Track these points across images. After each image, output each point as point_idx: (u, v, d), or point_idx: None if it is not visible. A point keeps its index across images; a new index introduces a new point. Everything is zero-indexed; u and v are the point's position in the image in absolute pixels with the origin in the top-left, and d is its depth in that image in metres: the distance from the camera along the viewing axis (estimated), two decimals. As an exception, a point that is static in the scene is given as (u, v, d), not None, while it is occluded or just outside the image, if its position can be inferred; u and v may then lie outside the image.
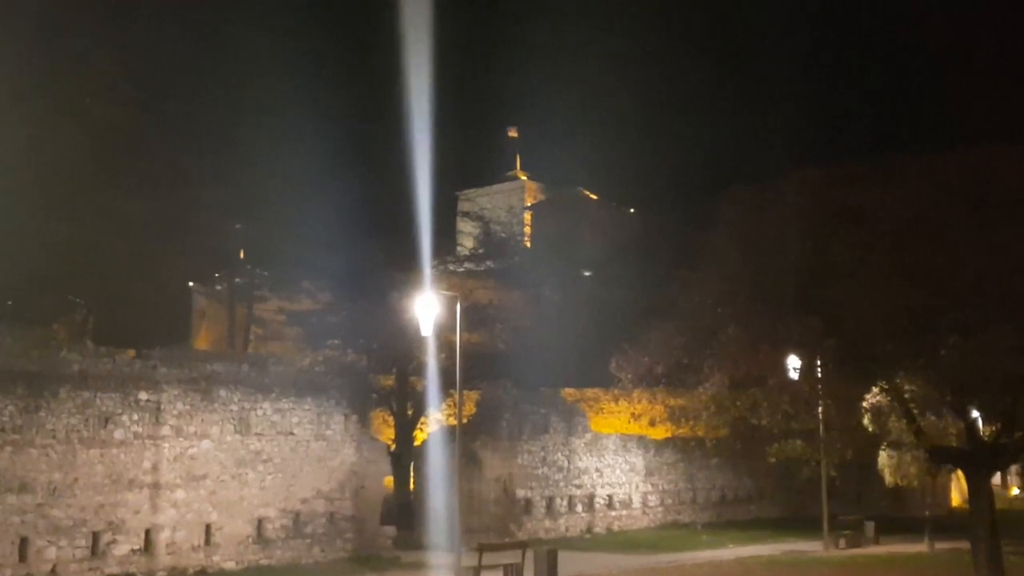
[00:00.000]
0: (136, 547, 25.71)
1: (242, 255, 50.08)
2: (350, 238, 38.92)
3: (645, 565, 31.59)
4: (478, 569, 25.94)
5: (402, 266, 37.94)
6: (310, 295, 46.56)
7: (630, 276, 50.92)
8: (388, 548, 31.66)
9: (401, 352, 37.95)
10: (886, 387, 29.48)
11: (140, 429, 26.20)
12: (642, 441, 44.12)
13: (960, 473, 40.76)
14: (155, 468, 26.38)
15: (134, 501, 25.81)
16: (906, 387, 29.11)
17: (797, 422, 31.20)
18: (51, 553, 24.16)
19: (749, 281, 27.80)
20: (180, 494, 26.85)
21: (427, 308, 24.23)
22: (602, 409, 49.56)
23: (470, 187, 74.74)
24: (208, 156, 39.80)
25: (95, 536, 25.01)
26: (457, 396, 26.63)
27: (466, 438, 32.07)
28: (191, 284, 57.01)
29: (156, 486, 26.36)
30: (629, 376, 33.61)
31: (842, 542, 37.05)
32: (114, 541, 25.33)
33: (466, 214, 61.31)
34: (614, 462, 41.87)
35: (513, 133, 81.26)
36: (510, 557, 27.00)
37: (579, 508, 40.07)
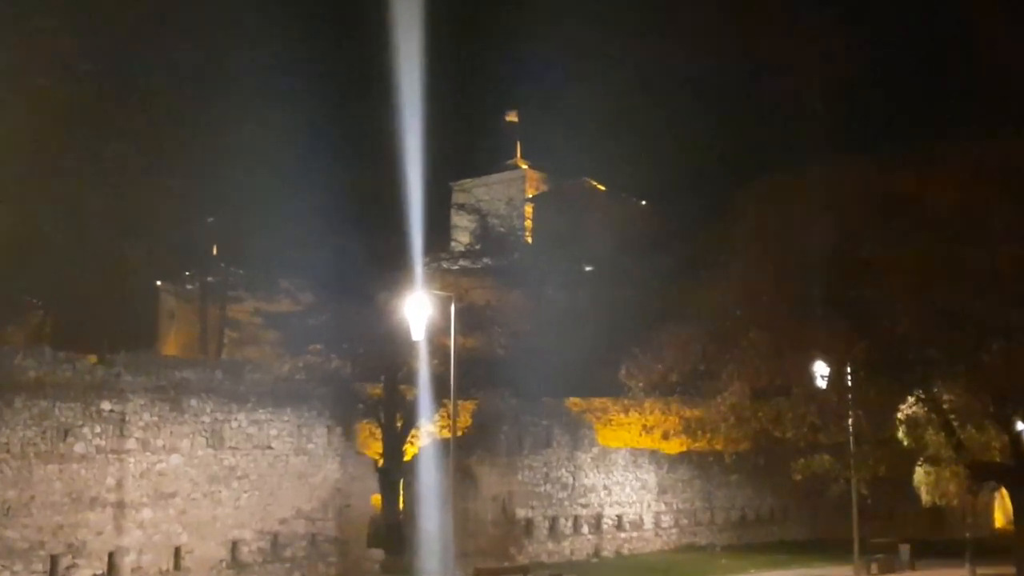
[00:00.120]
0: (98, 571, 25.68)
1: (215, 251, 50.04)
2: (334, 233, 38.87)
3: (658, 592, 31.60)
4: (474, 596, 25.94)
5: (391, 263, 37.92)
6: (290, 295, 46.55)
7: (642, 275, 50.94)
8: (375, 573, 31.63)
9: (390, 358, 37.94)
10: (923, 396, 29.53)
11: (103, 442, 26.16)
12: (654, 456, 44.12)
13: (1004, 491, 40.81)
14: (119, 485, 26.35)
15: (96, 521, 25.77)
16: (945, 396, 29.17)
17: (825, 435, 31.25)
18: (5, 578, 24.16)
19: (773, 280, 27.86)
20: (147, 513, 26.82)
21: (418, 309, 24.20)
22: (611, 421, 49.56)
23: (466, 177, 74.75)
24: (177, 142, 39.78)
25: (53, 560, 24.97)
26: (451, 406, 26.61)
27: (461, 453, 32.04)
28: (158, 283, 57.04)
29: (120, 505, 26.32)
30: (640, 384, 33.65)
31: (874, 567, 37.04)
32: (74, 565, 25.29)
33: (461, 206, 61.28)
34: (624, 479, 41.86)
35: (513, 117, 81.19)
36: (509, 583, 26.98)
37: (585, 529, 40.06)
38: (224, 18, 39.54)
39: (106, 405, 26.37)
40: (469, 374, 34.23)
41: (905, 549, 39.15)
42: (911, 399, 30.55)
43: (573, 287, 56.68)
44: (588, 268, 60.78)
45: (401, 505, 38.18)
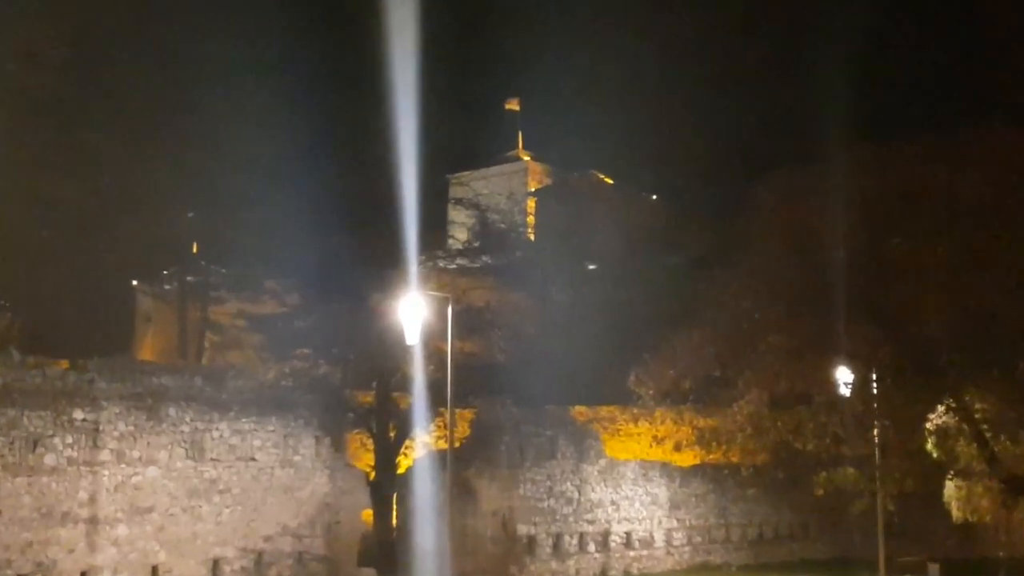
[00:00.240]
0: (70, 592, 25.69)
1: (195, 248, 50.04)
2: (322, 229, 38.80)
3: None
4: (473, 619, 25.93)
5: (384, 262, 37.84)
6: (275, 296, 46.47)
7: (652, 274, 50.92)
8: (367, 594, 31.61)
9: (382, 364, 37.85)
10: (954, 405, 29.50)
11: (75, 454, 26.16)
12: (666, 469, 44.06)
13: (1041, 507, 40.72)
14: (92, 499, 26.34)
15: (68, 538, 25.75)
16: (977, 405, 29.13)
17: (848, 447, 31.23)
18: (-31, 599, 24.17)
19: (792, 280, 27.85)
20: (122, 530, 26.81)
21: (413, 312, 24.17)
22: (619, 431, 49.47)
23: (463, 169, 74.52)
24: (155, 132, 39.80)
25: (21, 579, 24.99)
26: (448, 415, 26.57)
27: (459, 465, 32.01)
28: (134, 283, 57.02)
29: (94, 521, 26.31)
30: (651, 392, 33.64)
31: (901, 588, 37.02)
32: (44, 585, 25.30)
33: (459, 201, 61.10)
34: (633, 493, 41.81)
35: (513, 105, 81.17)
36: (511, 605, 26.97)
37: (592, 547, 40.01)
38: (203, 2, 39.64)
39: (78, 414, 26.36)
40: (467, 381, 34.10)
41: (935, 569, 39.10)
42: (941, 408, 30.52)
43: (579, 287, 56.65)
44: (594, 267, 60.77)
45: (394, 521, 38.10)
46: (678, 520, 43.50)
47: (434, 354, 33.72)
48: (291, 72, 42.63)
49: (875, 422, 29.80)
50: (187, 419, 28.51)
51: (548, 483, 38.79)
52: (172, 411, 28.21)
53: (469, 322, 36.53)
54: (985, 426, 29.44)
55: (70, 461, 26.07)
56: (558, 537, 38.90)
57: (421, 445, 37.99)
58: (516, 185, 75.19)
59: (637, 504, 41.88)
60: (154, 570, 27.44)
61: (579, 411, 44.89)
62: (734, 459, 35.59)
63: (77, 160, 37.42)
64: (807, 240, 28.47)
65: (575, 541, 39.52)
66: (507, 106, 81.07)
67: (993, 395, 28.76)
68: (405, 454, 38.73)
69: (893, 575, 37.18)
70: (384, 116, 36.47)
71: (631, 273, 54.49)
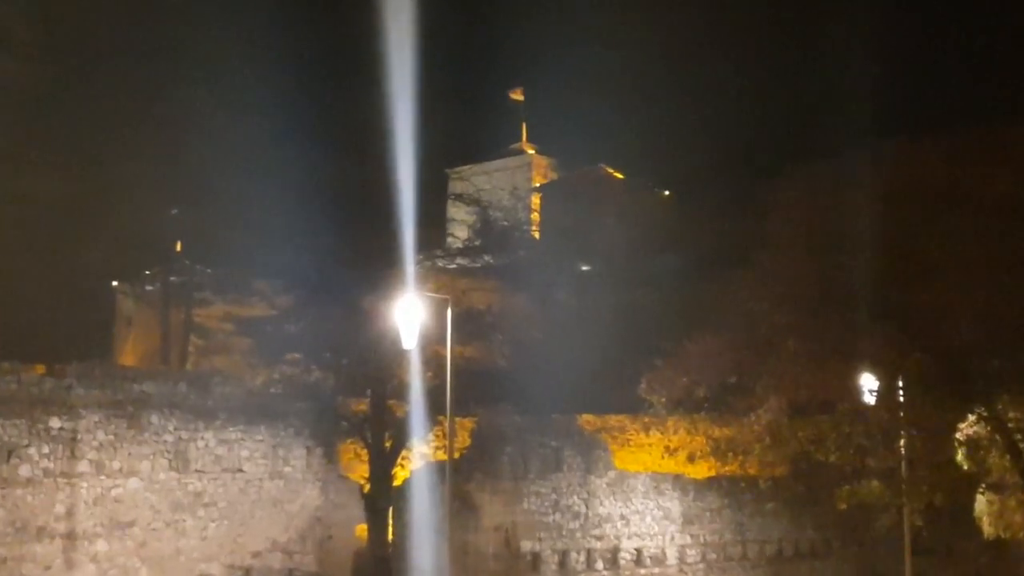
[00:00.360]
0: (46, 612, 25.72)
1: (179, 247, 50.09)
2: (314, 227, 38.85)
3: (683, 637, 31.59)
4: (474, 641, 25.94)
5: (379, 262, 37.88)
6: (264, 298, 46.53)
7: (664, 275, 50.85)
8: (361, 614, 31.62)
9: (377, 370, 37.87)
10: (985, 414, 29.50)
11: (51, 465, 26.17)
12: (679, 481, 44.03)
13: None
14: (70, 513, 26.36)
15: (44, 554, 25.77)
16: (1011, 414, 29.14)
17: (874, 458, 31.23)
18: (-61, 619, 24.20)
19: (814, 281, 27.86)
20: (101, 546, 26.83)
21: (410, 314, 24.20)
22: (629, 441, 49.49)
23: (464, 163, 74.70)
24: (137, 123, 39.85)
25: (-5, 598, 25.05)
26: (447, 424, 26.61)
27: (459, 477, 32.03)
28: (115, 283, 57.11)
29: (71, 536, 26.32)
30: (663, 400, 33.68)
31: (930, 608, 37.01)
32: (18, 604, 25.34)
33: (459, 197, 61.14)
34: (644, 507, 41.80)
35: (518, 95, 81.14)
36: (514, 626, 26.99)
37: (600, 565, 40.02)
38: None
39: (55, 422, 26.38)
40: (467, 388, 34.09)
41: (965, 588, 39.11)
42: (972, 417, 30.53)
43: (586, 289, 56.64)
44: (603, 267, 60.75)
45: (390, 536, 38.12)
46: (692, 536, 43.46)
47: (432, 359, 33.75)
48: (281, 59, 42.65)
49: (901, 432, 29.80)
50: (170, 428, 28.52)
51: (554, 496, 38.79)
52: (154, 419, 28.23)
53: (469, 325, 36.55)
54: (1019, 436, 29.45)
55: (46, 472, 26.08)
56: (564, 554, 38.90)
57: (419, 456, 38.01)
58: (520, 180, 75.16)
59: (648, 519, 41.85)
60: (135, 588, 27.48)
61: (586, 420, 44.89)
62: (751, 471, 35.58)
63: (52, 153, 37.45)
64: (829, 239, 28.48)
65: (582, 558, 39.52)
66: (512, 96, 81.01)
67: (1027, 404, 28.78)
68: (402, 465, 38.74)
69: (920, 595, 37.22)
70: (380, 106, 36.51)
71: (642, 274, 54.43)
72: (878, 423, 29.39)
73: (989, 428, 30.07)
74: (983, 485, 33.66)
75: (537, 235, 66.96)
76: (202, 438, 29.17)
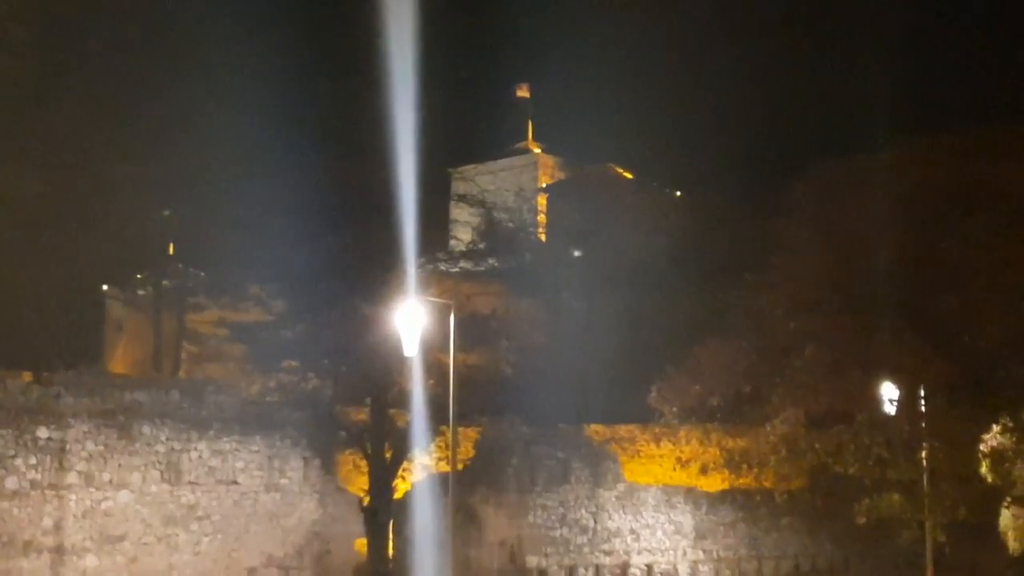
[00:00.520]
0: (33, 629, 25.74)
1: (171, 249, 50.10)
2: (312, 229, 38.89)
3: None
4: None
5: (379, 265, 37.91)
6: (259, 303, 46.56)
7: (676, 279, 50.84)
8: (360, 632, 31.61)
9: (377, 377, 37.88)
10: (1011, 424, 29.46)
11: (39, 476, 26.20)
12: (691, 494, 44.02)
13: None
14: (58, 527, 26.37)
15: (31, 569, 25.79)
16: (1038, 425, 29.08)
17: (894, 471, 31.20)
18: (-78, 637, 24.23)
19: (832, 285, 27.85)
20: (91, 560, 26.84)
21: (411, 320, 24.20)
22: (639, 452, 49.47)
23: (468, 162, 74.70)
24: (128, 121, 39.85)
25: (-21, 615, 25.07)
26: (450, 434, 26.59)
27: (462, 489, 32.00)
28: (104, 288, 57.07)
29: (60, 550, 26.34)
30: (674, 409, 33.71)
31: (953, 627, 36.97)
32: (4, 622, 25.38)
33: (462, 197, 61.18)
34: (655, 521, 41.79)
35: (523, 92, 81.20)
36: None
37: (609, 581, 40.02)
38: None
39: (43, 432, 26.41)
40: (471, 396, 34.12)
41: (989, 606, 39.06)
42: (997, 427, 30.49)
43: (595, 293, 56.63)
44: (612, 271, 60.77)
45: (391, 551, 38.13)
46: (704, 551, 43.44)
47: (435, 367, 33.75)
48: (278, 55, 42.59)
49: (923, 443, 29.78)
50: (162, 438, 28.55)
51: (561, 510, 38.79)
52: (146, 429, 28.25)
53: (473, 331, 36.56)
54: (1046, 448, 29.43)
55: (33, 484, 26.11)
56: (572, 570, 38.90)
57: (420, 467, 38.01)
58: (526, 180, 75.21)
59: (659, 533, 41.85)
60: (125, 605, 27.49)
61: (595, 430, 44.89)
62: (767, 484, 35.58)
63: (40, 151, 37.43)
64: (848, 242, 28.48)
65: (590, 574, 39.52)
66: (517, 92, 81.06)
67: (1055, 414, 28.75)
68: (403, 477, 38.74)
69: (943, 613, 37.15)
70: (380, 103, 36.52)
71: (653, 278, 54.39)
72: (899, 434, 29.38)
73: (1015, 439, 30.05)
74: (1008, 499, 33.59)
75: (543, 237, 67.00)
76: (195, 449, 29.18)
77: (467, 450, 37.60)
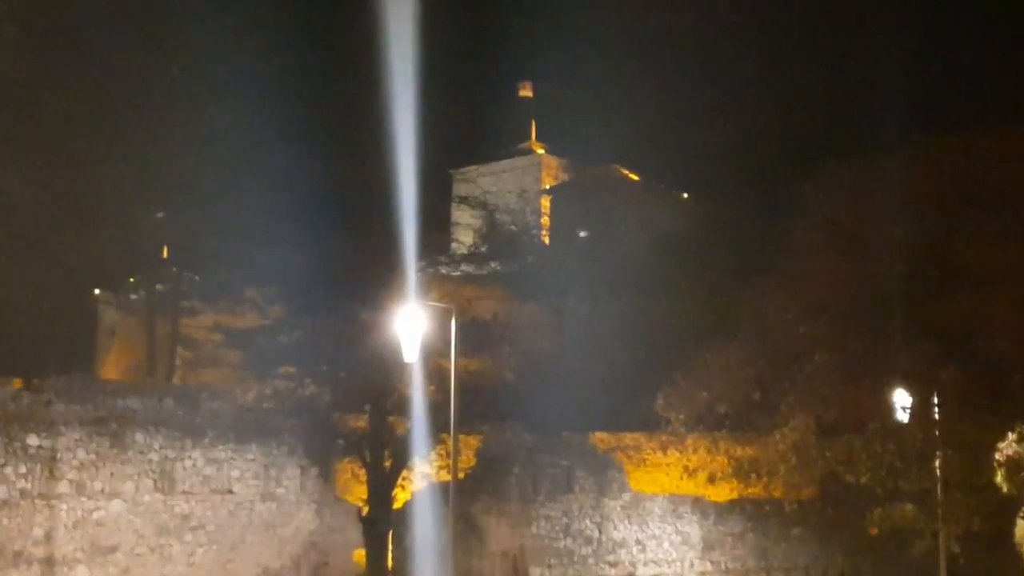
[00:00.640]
0: (23, 642, 25.76)
1: (165, 253, 50.17)
2: (310, 231, 38.94)
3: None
4: (479, 674, 25.95)
5: (379, 269, 37.93)
6: (255, 307, 46.64)
7: (683, 283, 50.84)
8: (358, 645, 31.62)
9: (376, 384, 37.88)
10: (1027, 432, 29.44)
11: (29, 485, 26.20)
12: (698, 504, 44.00)
13: None
14: (49, 537, 26.38)
15: (20, 581, 25.80)
16: (1055, 433, 29.07)
17: (907, 480, 31.19)
18: (-91, 651, 24.24)
19: (843, 289, 27.85)
20: (82, 572, 26.84)
21: (412, 325, 24.22)
22: (645, 461, 49.44)
23: (469, 163, 74.83)
24: (120, 121, 39.90)
25: (-32, 628, 25.07)
26: (451, 442, 26.60)
27: (463, 499, 32.02)
28: (97, 292, 57.15)
29: (50, 561, 26.34)
30: (681, 417, 33.69)
31: (967, 640, 36.92)
32: (-7, 634, 25.38)
33: (464, 199, 61.29)
34: (661, 532, 41.77)
35: (526, 91, 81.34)
36: (522, 659, 26.99)
37: (614, 593, 40.00)
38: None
39: (33, 440, 26.41)
40: (473, 403, 34.13)
41: (1005, 619, 39.00)
42: (1012, 435, 30.46)
43: (599, 298, 56.65)
44: (617, 274, 60.80)
45: (390, 562, 38.14)
46: (712, 563, 43.41)
47: (435, 373, 33.75)
48: (276, 53, 42.69)
49: (937, 452, 29.76)
50: (156, 446, 28.55)
51: (564, 520, 38.78)
52: (139, 437, 28.26)
53: (475, 336, 36.58)
54: (1063, 456, 29.41)
55: (23, 494, 26.11)
56: (576, 582, 38.88)
57: (420, 476, 38.00)
58: (529, 181, 75.33)
59: (666, 544, 41.82)
60: (118, 617, 27.51)
61: (600, 438, 44.87)
62: (776, 494, 35.55)
63: (29, 151, 37.48)
64: (859, 245, 28.49)
65: (595, 586, 39.50)
66: (520, 92, 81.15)
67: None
68: (402, 486, 38.75)
69: (957, 626, 37.12)
70: (379, 103, 36.54)
71: (659, 282, 54.41)
72: (911, 442, 29.37)
73: (1031, 447, 30.03)
74: (1024, 508, 33.57)
75: (547, 240, 67.11)
76: (189, 457, 29.18)
77: (468, 458, 37.60)
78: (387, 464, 38.71)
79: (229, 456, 29.99)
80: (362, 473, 38.83)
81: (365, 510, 36.90)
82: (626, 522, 40.65)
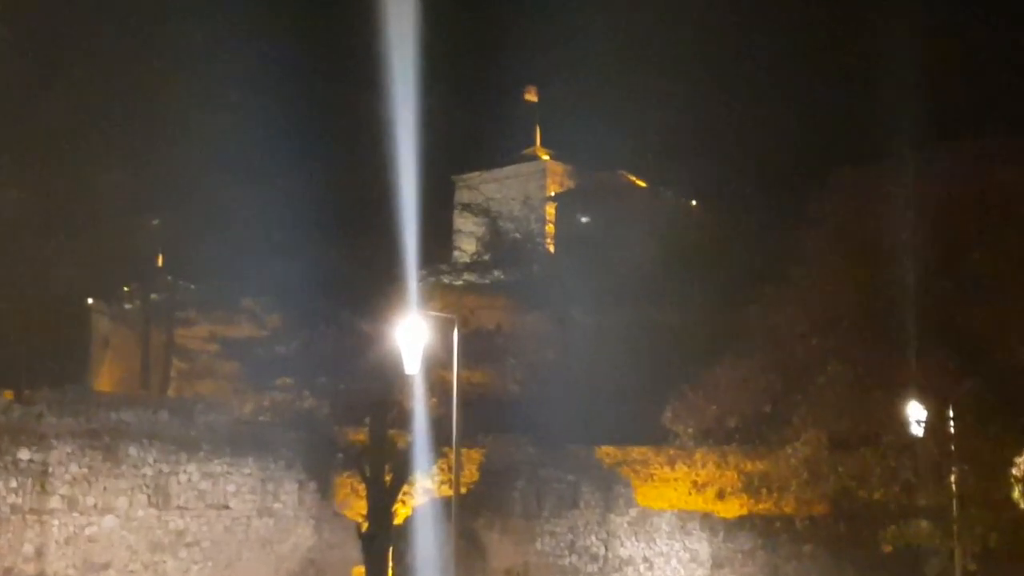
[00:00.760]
0: (12, 662, 25.74)
1: (160, 261, 50.19)
2: (308, 240, 38.95)
3: None
4: None
5: (379, 278, 37.94)
6: (252, 317, 46.64)
7: (692, 293, 50.84)
8: (357, 665, 31.59)
9: (377, 396, 37.88)
10: (1046, 447, 29.38)
11: (19, 500, 26.18)
12: (707, 520, 43.94)
13: None
14: (40, 553, 26.36)
15: (11, 599, 25.78)
16: (1074, 447, 29.02)
17: (922, 496, 31.14)
18: None
19: (856, 300, 27.82)
20: (74, 589, 26.81)
21: (413, 335, 24.20)
22: (652, 475, 49.44)
23: (472, 169, 74.73)
24: (114, 125, 39.94)
25: (-43, 647, 25.05)
26: (453, 456, 26.57)
27: (465, 514, 31.98)
28: (90, 301, 57.21)
29: (41, 578, 26.33)
30: (690, 430, 33.65)
31: (985, 662, 36.82)
32: (-18, 654, 25.36)
33: (466, 206, 61.23)
34: (669, 549, 41.71)
35: (531, 95, 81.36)
36: None
37: (620, 612, 39.95)
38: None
39: (24, 454, 26.39)
40: (476, 416, 34.15)
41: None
42: (1030, 450, 30.44)
43: (606, 308, 56.65)
44: (624, 284, 60.81)
45: (390, 580, 38.14)
46: (722, 581, 43.36)
47: (437, 385, 33.74)
48: (273, 56, 42.67)
49: (952, 467, 29.71)
50: (150, 460, 28.53)
51: (570, 536, 38.73)
52: (132, 451, 28.23)
53: (478, 348, 36.61)
54: (1082, 472, 29.36)
55: (14, 509, 26.09)
56: (581, 600, 38.84)
57: (422, 491, 37.99)
58: (533, 188, 75.35)
59: (674, 562, 41.76)
60: (110, 636, 27.48)
61: (606, 452, 44.87)
62: (787, 510, 35.49)
63: (20, 156, 37.53)
64: (872, 253, 28.45)
65: (601, 605, 39.45)
66: (525, 96, 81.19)
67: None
68: (403, 501, 38.72)
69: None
70: (380, 108, 36.53)
71: (667, 292, 54.44)
72: (926, 457, 29.32)
73: (1049, 462, 30.00)
74: (1043, 525, 33.51)
75: (552, 248, 67.09)
76: (184, 471, 29.16)
77: (471, 473, 37.59)
78: (387, 479, 38.68)
79: (225, 470, 29.96)
80: (362, 488, 38.79)
81: (365, 526, 36.87)
82: (633, 539, 40.60)
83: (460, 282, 48.94)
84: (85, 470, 27.36)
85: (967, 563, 32.75)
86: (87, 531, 27.25)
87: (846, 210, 30.30)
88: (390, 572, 37.91)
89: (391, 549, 37.59)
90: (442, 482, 36.83)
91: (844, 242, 29.52)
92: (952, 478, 30.06)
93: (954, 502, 30.31)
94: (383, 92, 36.22)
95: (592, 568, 39.24)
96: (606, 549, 39.74)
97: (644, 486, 46.40)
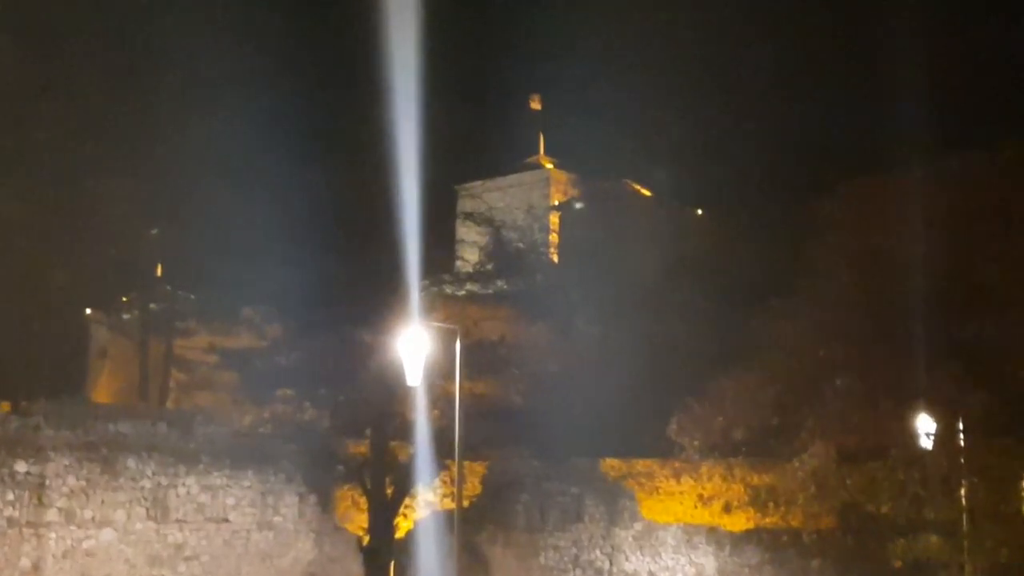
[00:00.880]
0: (9, 677, 25.74)
1: (159, 271, 50.24)
2: (309, 249, 39.02)
3: None
4: None
5: (381, 288, 37.97)
6: (252, 327, 46.74)
7: (698, 304, 50.80)
8: None
9: (378, 408, 37.92)
10: (1057, 461, 29.35)
11: (16, 513, 26.20)
12: (714, 534, 43.85)
13: None
14: (37, 567, 26.37)
15: (7, 613, 25.78)
16: (1086, 461, 28.98)
17: (931, 510, 31.08)
18: None
19: (865, 311, 27.81)
20: (71, 604, 26.82)
21: (415, 347, 24.22)
22: (657, 489, 49.36)
23: (475, 178, 74.83)
24: (113, 134, 40.01)
25: (-48, 662, 25.07)
26: (456, 469, 26.57)
27: (468, 528, 31.97)
28: (88, 311, 57.25)
29: (38, 592, 26.33)
30: (696, 443, 33.62)
31: None
32: (-22, 669, 25.37)
33: (469, 216, 61.40)
34: (674, 563, 41.63)
35: (535, 104, 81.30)
36: None
37: (625, 627, 39.88)
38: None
39: (21, 466, 26.42)
40: (479, 428, 34.15)
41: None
42: (1042, 464, 30.38)
43: (610, 319, 56.61)
44: (629, 294, 60.79)
45: (392, 594, 38.11)
46: (728, 596, 43.28)
47: (439, 397, 33.76)
48: (275, 64, 42.78)
49: (962, 480, 29.66)
50: (148, 473, 28.54)
51: (574, 550, 38.69)
52: (131, 463, 28.24)
53: (481, 359, 36.63)
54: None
55: (10, 522, 26.11)
56: (585, 615, 38.79)
57: (423, 504, 37.99)
58: (537, 197, 75.27)
59: (679, 576, 41.71)
60: (108, 651, 27.47)
61: (610, 465, 44.82)
62: (795, 523, 35.41)
63: (17, 164, 37.59)
64: (881, 264, 28.45)
65: (605, 620, 39.39)
66: (530, 104, 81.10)
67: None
68: (405, 515, 38.72)
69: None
70: (382, 116, 36.60)
71: (673, 302, 54.37)
72: (936, 470, 29.27)
73: (1062, 476, 29.96)
74: (1055, 540, 33.44)
75: (556, 258, 67.06)
76: (183, 484, 29.16)
77: (474, 486, 37.57)
78: (389, 491, 38.68)
79: (224, 483, 29.96)
80: (363, 501, 38.80)
81: (366, 539, 36.87)
82: (638, 553, 40.53)
83: (463, 292, 49.03)
84: (83, 483, 27.38)
85: (978, 579, 32.67)
86: (85, 544, 27.25)
87: (855, 220, 30.29)
88: (392, 586, 37.92)
89: (393, 563, 37.57)
90: (444, 495, 36.84)
91: (853, 252, 29.51)
92: (962, 492, 30.00)
93: (964, 516, 30.24)
94: (386, 101, 36.29)
95: (597, 583, 39.20)
96: (611, 563, 39.69)
97: (649, 499, 46.31)
